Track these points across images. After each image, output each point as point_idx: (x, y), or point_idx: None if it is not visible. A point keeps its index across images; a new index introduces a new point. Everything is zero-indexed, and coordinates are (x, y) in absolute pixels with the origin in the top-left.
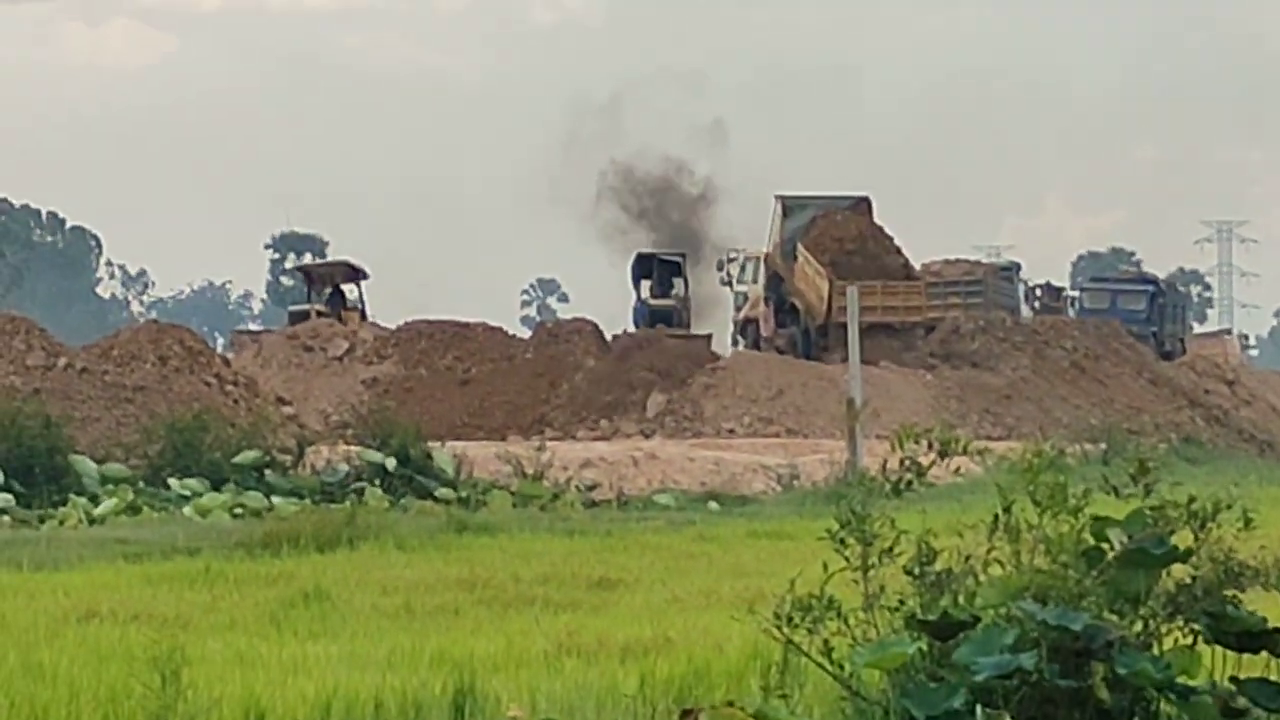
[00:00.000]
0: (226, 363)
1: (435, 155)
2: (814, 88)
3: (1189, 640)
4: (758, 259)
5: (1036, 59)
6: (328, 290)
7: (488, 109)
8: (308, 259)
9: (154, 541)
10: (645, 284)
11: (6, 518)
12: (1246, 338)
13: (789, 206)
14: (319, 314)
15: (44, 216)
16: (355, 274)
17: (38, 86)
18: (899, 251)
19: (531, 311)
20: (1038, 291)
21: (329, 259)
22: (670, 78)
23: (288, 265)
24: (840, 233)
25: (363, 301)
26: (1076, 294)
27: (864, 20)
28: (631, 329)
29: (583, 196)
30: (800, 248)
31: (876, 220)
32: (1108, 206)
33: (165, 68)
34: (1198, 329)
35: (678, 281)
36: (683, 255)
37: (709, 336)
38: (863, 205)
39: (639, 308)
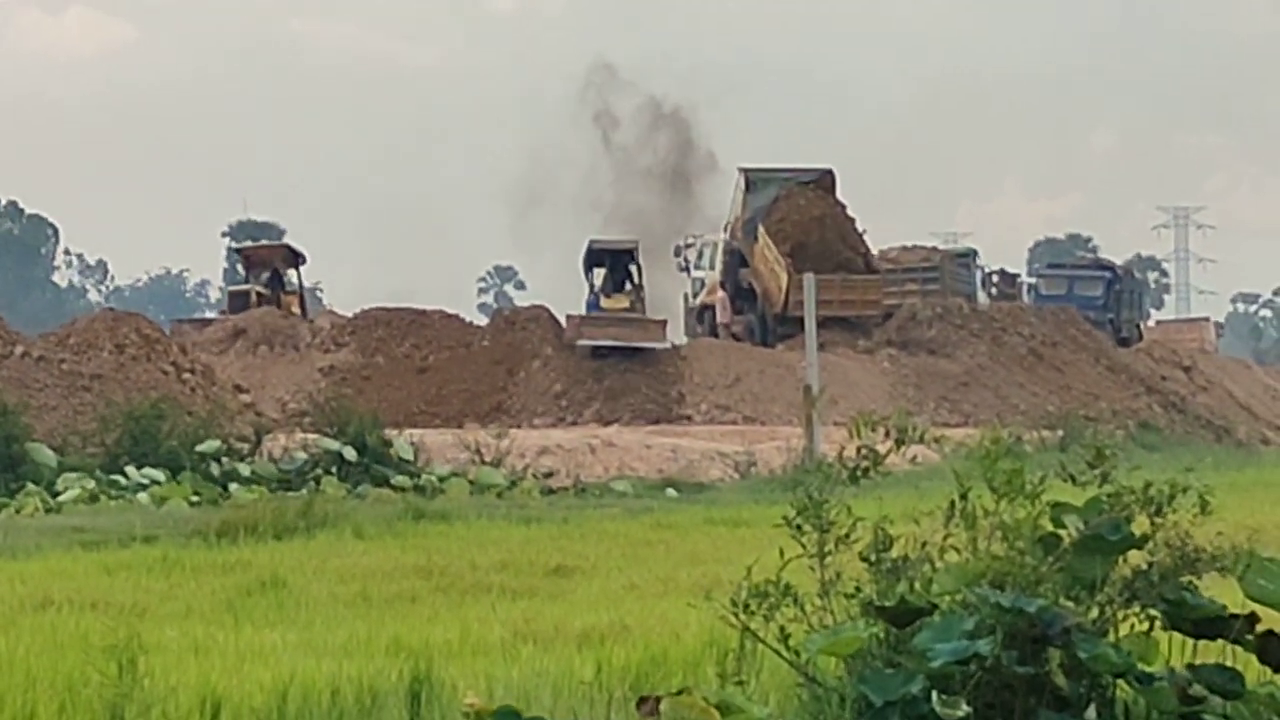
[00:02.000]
0: (184, 351)
1: (392, 142)
2: (773, 75)
3: (1145, 626)
4: (715, 244)
5: (993, 44)
6: (266, 274)
7: (446, 95)
8: None
9: (111, 529)
10: (599, 272)
11: None
12: (1222, 325)
13: (752, 180)
14: (258, 295)
15: (1, 204)
16: (295, 258)
17: None
18: (860, 237)
19: (489, 299)
20: (994, 278)
21: (267, 242)
22: (633, 64)
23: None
24: (801, 215)
25: (301, 286)
26: (1032, 280)
27: (823, 10)
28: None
29: (545, 183)
30: (761, 230)
31: (840, 197)
32: (1064, 192)
33: (123, 55)
34: (1176, 316)
35: (632, 269)
36: (635, 243)
37: (664, 322)
38: (826, 179)
39: (591, 302)
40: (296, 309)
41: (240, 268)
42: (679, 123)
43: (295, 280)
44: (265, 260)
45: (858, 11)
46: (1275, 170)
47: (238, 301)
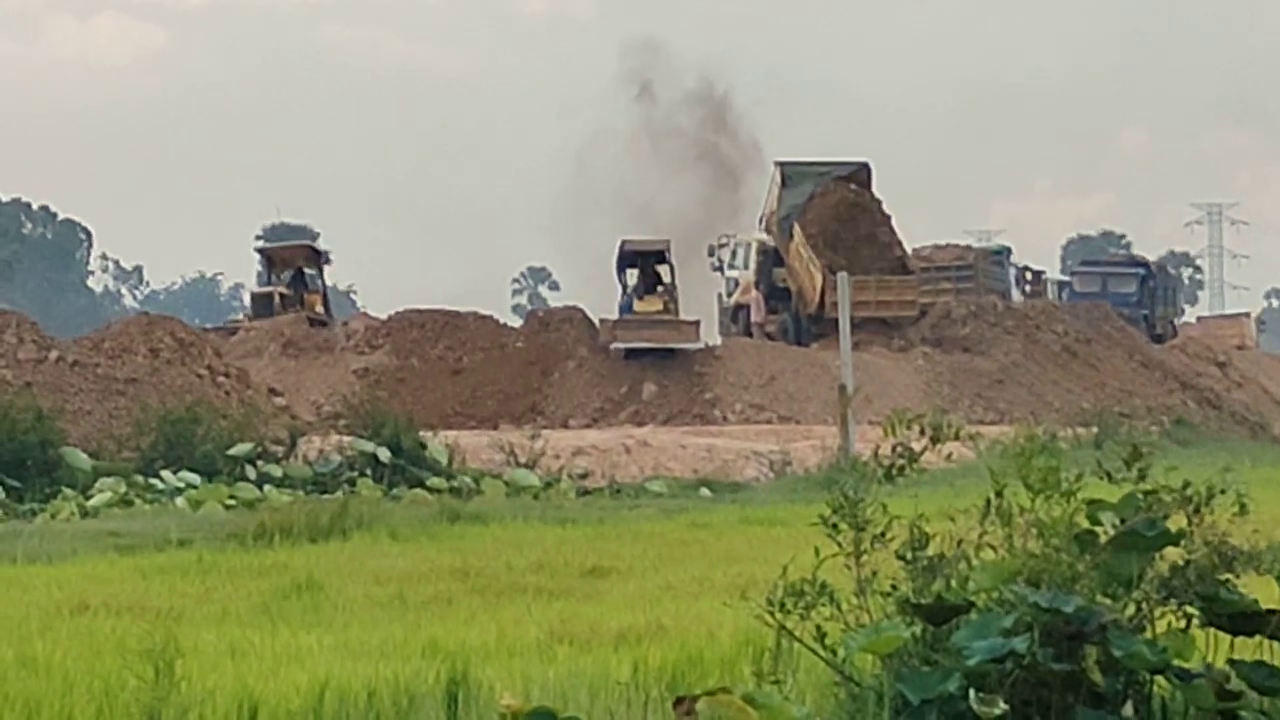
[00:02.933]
0: (218, 354)
1: (424, 146)
2: (808, 78)
3: (1182, 623)
4: (748, 244)
5: (1025, 46)
6: (288, 273)
7: (477, 99)
8: None
9: (147, 533)
10: (631, 274)
11: (0, 512)
12: (1263, 321)
13: (788, 174)
14: (281, 296)
15: (34, 209)
16: (317, 256)
17: (27, 80)
18: (895, 235)
19: (523, 300)
20: (1027, 275)
21: (290, 242)
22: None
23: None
24: (837, 212)
25: (324, 284)
26: (1060, 278)
27: (857, 15)
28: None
29: (579, 183)
30: (796, 228)
31: (875, 192)
32: (1097, 190)
33: (154, 61)
34: (1211, 312)
35: (663, 270)
36: (667, 243)
37: (697, 323)
38: (862, 173)
39: (625, 304)
40: (320, 308)
41: (264, 269)
42: (724, 106)
43: (319, 279)
44: (288, 260)
45: (891, 18)
46: None
47: (261, 305)
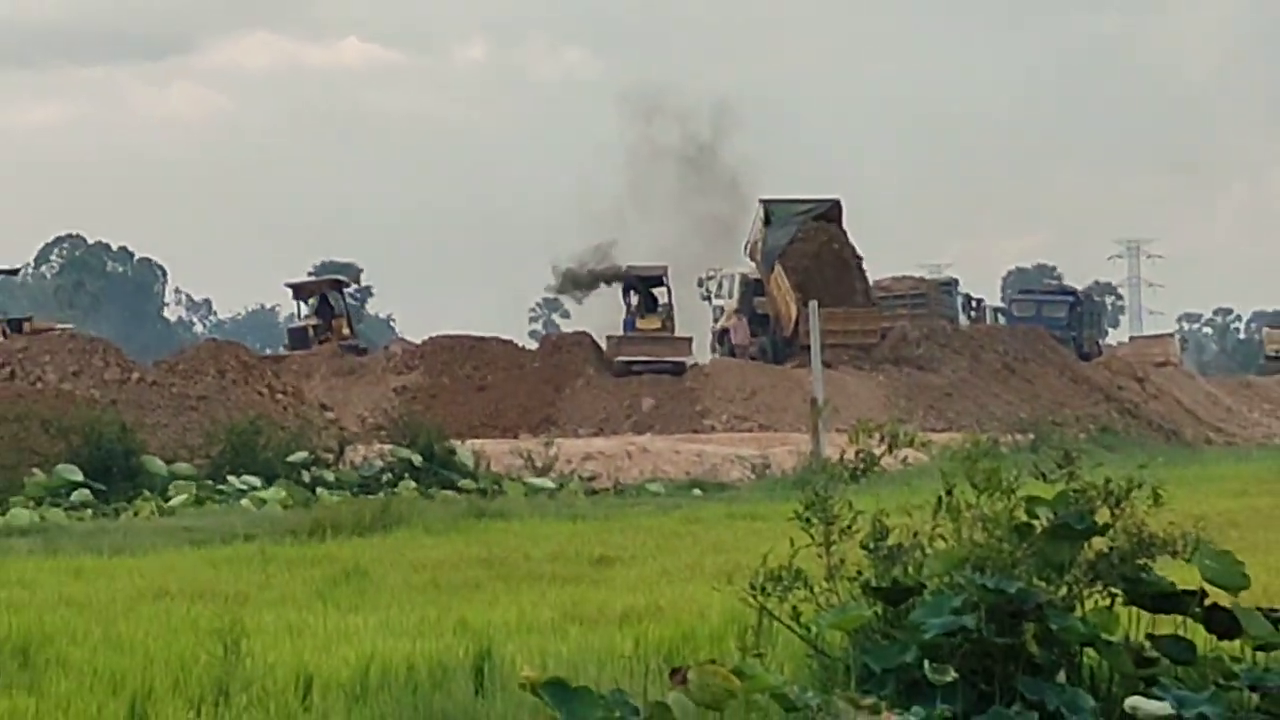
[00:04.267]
0: (276, 375)
1: (454, 192)
2: (787, 127)
3: (1107, 602)
4: (733, 276)
5: (972, 99)
6: (314, 301)
7: (499, 151)
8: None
9: (216, 529)
10: (634, 296)
11: (89, 512)
12: (1186, 340)
13: (770, 210)
14: (314, 328)
15: (116, 250)
16: (338, 285)
17: (112, 138)
18: (861, 271)
19: (538, 326)
20: (972, 303)
21: (313, 277)
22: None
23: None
24: (812, 253)
25: (347, 307)
26: (999, 305)
27: (835, 68)
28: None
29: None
30: (777, 265)
31: (845, 225)
32: (1032, 228)
33: (221, 121)
34: (1133, 334)
35: (660, 292)
36: (664, 268)
37: (690, 339)
38: (834, 210)
39: (628, 322)
40: (347, 329)
41: (294, 299)
42: (710, 151)
43: (343, 304)
44: (313, 290)
45: (865, 74)
46: (1212, 207)
47: (297, 338)
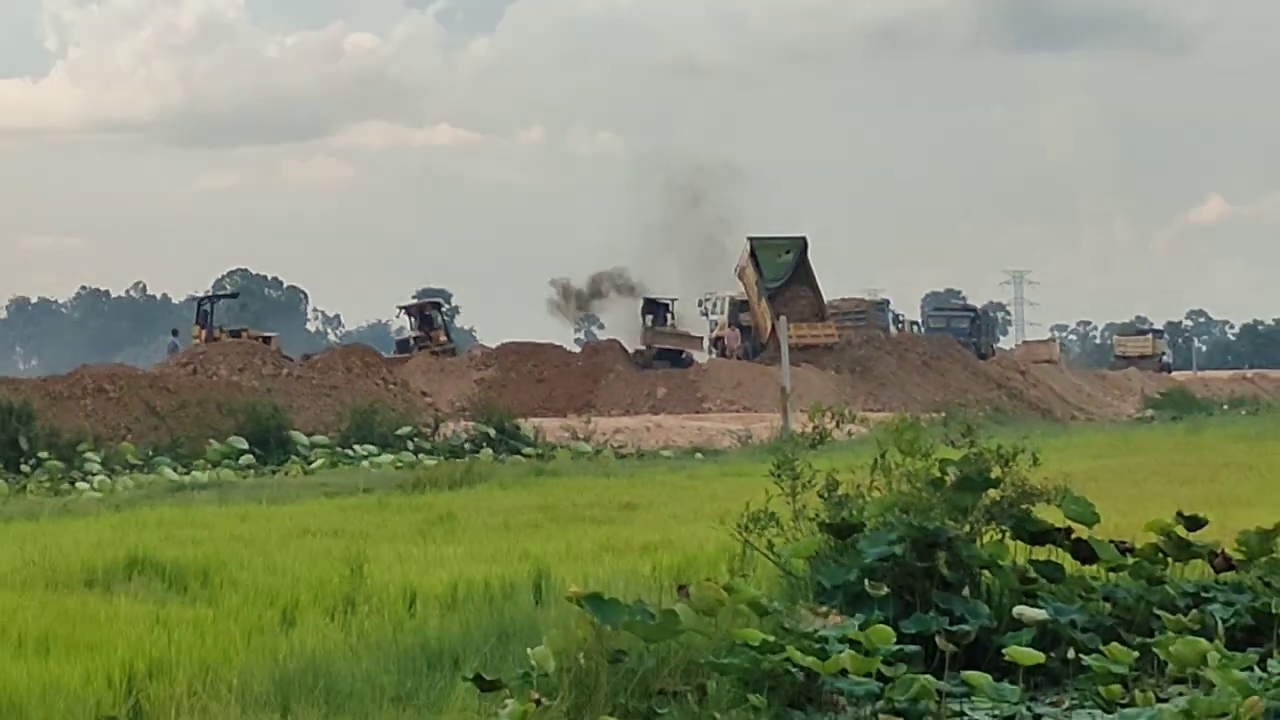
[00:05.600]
0: (389, 371)
1: (518, 236)
2: (764, 178)
3: (999, 536)
4: (724, 299)
5: (900, 166)
6: (417, 319)
7: (550, 206)
8: None
9: (344, 485)
10: (649, 317)
11: (251, 471)
12: (1064, 344)
13: (755, 245)
14: (414, 339)
15: (270, 279)
16: (437, 306)
17: (266, 198)
18: (819, 294)
19: (581, 335)
20: (899, 318)
21: (419, 299)
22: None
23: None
24: (784, 280)
25: (445, 322)
26: (916, 320)
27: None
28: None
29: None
30: (756, 289)
31: (810, 257)
32: (943, 262)
33: (348, 182)
34: (1021, 340)
35: (670, 315)
36: (673, 300)
37: (700, 338)
38: (802, 243)
39: (645, 335)
40: (444, 337)
41: (406, 317)
42: (703, 200)
43: (440, 319)
44: (420, 309)
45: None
46: (1074, 247)
47: (402, 345)
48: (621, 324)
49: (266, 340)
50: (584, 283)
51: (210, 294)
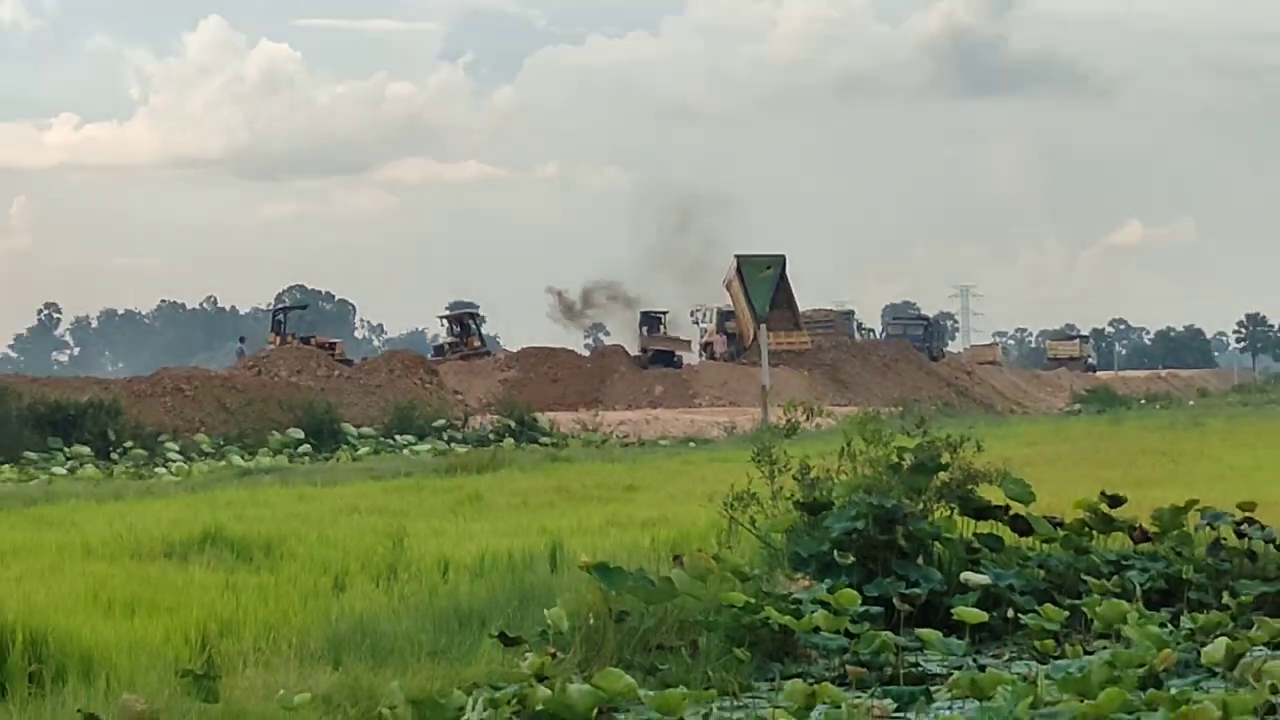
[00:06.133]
0: (429, 372)
1: (536, 258)
2: (748, 204)
3: (949, 513)
4: (713, 309)
5: (865, 195)
6: (457, 327)
7: (566, 236)
8: None
9: (388, 470)
10: (644, 329)
11: (307, 458)
12: (1005, 348)
13: (741, 262)
14: (450, 345)
15: (323, 293)
16: (473, 317)
17: (319, 224)
18: (794, 305)
19: (590, 340)
20: (862, 327)
21: (451, 312)
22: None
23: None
24: (764, 291)
25: (479, 329)
26: (877, 327)
27: (777, 169)
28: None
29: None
30: (742, 300)
31: (788, 272)
32: (899, 278)
33: (391, 211)
34: (966, 346)
35: (663, 324)
36: (666, 311)
37: (690, 341)
38: (781, 260)
39: (643, 340)
40: (477, 343)
41: (444, 324)
42: (694, 222)
43: (473, 327)
44: (458, 318)
45: (796, 172)
46: (1012, 265)
47: (438, 350)
48: (624, 332)
49: (332, 346)
50: (577, 294)
51: (284, 305)
